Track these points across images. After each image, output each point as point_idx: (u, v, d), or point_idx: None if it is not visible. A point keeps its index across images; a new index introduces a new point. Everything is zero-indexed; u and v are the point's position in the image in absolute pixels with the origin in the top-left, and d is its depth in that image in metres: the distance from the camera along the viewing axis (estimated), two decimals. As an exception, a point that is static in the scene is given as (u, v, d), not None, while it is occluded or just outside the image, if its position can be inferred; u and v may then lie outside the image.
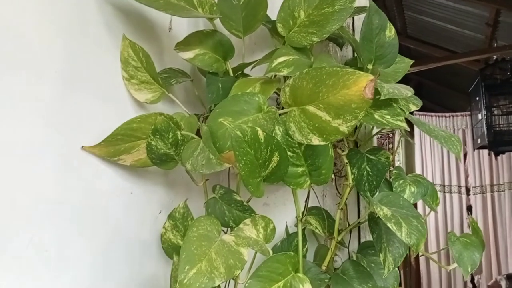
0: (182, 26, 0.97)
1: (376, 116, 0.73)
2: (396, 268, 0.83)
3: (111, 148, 0.72)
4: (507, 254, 4.02)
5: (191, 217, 0.83)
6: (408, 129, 0.72)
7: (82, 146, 0.70)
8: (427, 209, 0.93)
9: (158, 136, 0.73)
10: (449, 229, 4.27)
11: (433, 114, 4.40)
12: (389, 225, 0.67)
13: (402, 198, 0.76)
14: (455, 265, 0.82)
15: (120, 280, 0.77)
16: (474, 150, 4.09)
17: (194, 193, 0.91)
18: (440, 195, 4.28)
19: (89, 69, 0.72)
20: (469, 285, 4.20)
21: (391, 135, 4.47)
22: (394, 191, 0.81)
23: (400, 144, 4.39)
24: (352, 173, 0.81)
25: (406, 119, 0.76)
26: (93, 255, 0.71)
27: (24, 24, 0.60)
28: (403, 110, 0.76)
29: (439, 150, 4.38)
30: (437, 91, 4.88)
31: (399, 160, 4.46)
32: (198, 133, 0.82)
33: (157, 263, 0.87)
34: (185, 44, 0.86)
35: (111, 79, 0.77)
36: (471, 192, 4.26)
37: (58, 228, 0.65)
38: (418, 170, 4.42)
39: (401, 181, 0.82)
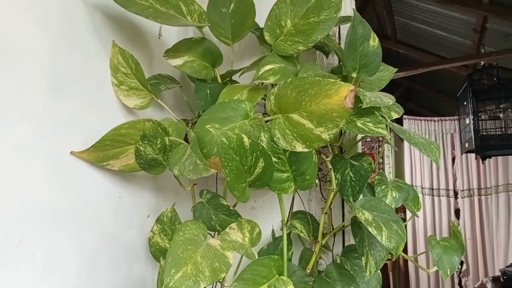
0: (172, 33, 0.99)
1: (358, 124, 0.75)
2: (379, 271, 0.85)
3: (100, 153, 0.74)
4: (493, 257, 4.08)
5: (179, 221, 0.84)
6: (390, 136, 0.74)
7: (71, 151, 0.71)
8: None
9: (146, 142, 0.75)
10: (437, 232, 4.32)
11: (422, 118, 4.46)
12: (370, 229, 0.69)
13: (383, 203, 0.79)
14: (436, 268, 0.85)
15: (108, 284, 0.79)
16: (462, 154, 4.15)
17: (182, 198, 0.92)
18: (428, 198, 4.35)
19: (79, 75, 0.73)
20: (457, 287, 4.25)
21: (381, 138, 4.52)
22: (377, 196, 0.83)
23: (390, 148, 4.44)
24: (336, 178, 0.83)
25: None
26: (81, 259, 0.73)
27: (12, 29, 0.61)
28: (385, 118, 0.78)
29: (428, 154, 4.43)
30: (426, 95, 4.94)
31: (389, 164, 4.52)
32: (186, 138, 0.83)
33: (145, 267, 0.88)
34: (174, 51, 0.87)
35: (101, 85, 0.79)
36: (459, 196, 4.32)
37: (46, 232, 0.66)
38: (407, 174, 4.47)
39: (383, 187, 0.85)
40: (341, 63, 0.99)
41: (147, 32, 0.93)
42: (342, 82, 0.61)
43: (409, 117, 4.42)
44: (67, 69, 0.71)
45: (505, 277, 3.31)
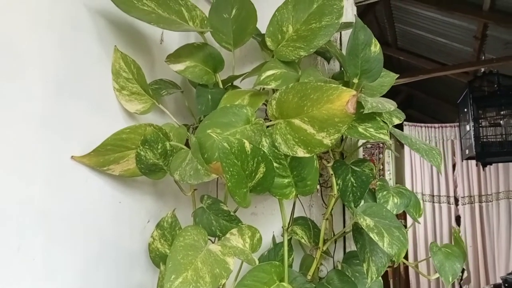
0: (174, 39, 0.99)
1: (360, 129, 0.75)
2: (380, 278, 0.85)
3: (101, 158, 0.73)
4: (494, 264, 4.05)
5: (179, 227, 0.84)
6: (391, 142, 0.74)
7: (72, 156, 0.71)
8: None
9: (147, 147, 0.74)
10: (438, 239, 4.30)
11: (422, 124, 4.46)
12: (371, 235, 0.69)
13: (385, 209, 0.78)
14: (437, 274, 0.84)
15: (108, 289, 0.78)
16: (462, 161, 4.15)
17: (183, 203, 0.92)
18: (429, 205, 4.33)
19: (81, 80, 0.73)
20: (458, 294, 4.22)
21: (381, 145, 4.51)
22: (378, 202, 0.83)
23: (390, 154, 4.43)
24: (337, 184, 0.82)
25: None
26: (81, 264, 0.72)
27: (16, 33, 0.61)
28: (387, 123, 0.78)
29: (428, 161, 4.42)
30: (427, 102, 4.95)
31: (389, 170, 4.51)
32: (187, 143, 0.83)
33: (145, 272, 0.87)
34: (176, 56, 0.87)
35: (102, 90, 0.79)
36: (459, 202, 4.30)
37: (46, 236, 0.66)
38: (408, 180, 4.46)
39: (384, 192, 0.84)
40: (342, 69, 0.99)
41: (149, 38, 0.93)
42: (344, 87, 0.60)
43: (410, 123, 4.42)
44: (69, 73, 0.71)
45: (506, 285, 3.28)
